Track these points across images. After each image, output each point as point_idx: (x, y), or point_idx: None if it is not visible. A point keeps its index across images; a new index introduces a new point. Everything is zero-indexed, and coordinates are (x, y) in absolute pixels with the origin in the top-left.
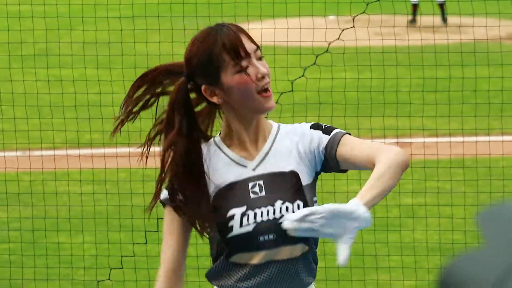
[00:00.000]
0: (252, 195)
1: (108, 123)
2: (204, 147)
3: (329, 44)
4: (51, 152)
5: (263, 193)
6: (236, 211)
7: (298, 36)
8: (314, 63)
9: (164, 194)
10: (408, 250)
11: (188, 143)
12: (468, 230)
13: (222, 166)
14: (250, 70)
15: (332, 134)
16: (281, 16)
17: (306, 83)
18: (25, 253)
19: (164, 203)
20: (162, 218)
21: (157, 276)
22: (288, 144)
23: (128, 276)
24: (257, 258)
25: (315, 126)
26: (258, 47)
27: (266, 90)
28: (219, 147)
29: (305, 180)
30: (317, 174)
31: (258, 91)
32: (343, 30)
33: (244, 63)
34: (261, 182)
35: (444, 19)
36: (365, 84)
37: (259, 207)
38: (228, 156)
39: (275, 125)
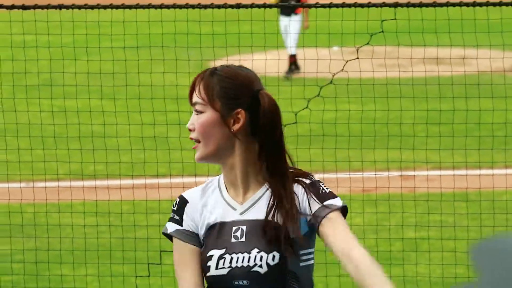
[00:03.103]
0: (233, 239)
1: (111, 154)
2: (206, 184)
3: (333, 76)
4: (54, 184)
5: (243, 238)
6: (215, 252)
7: (302, 67)
8: (318, 94)
9: (170, 226)
10: (411, 285)
11: None
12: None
13: (215, 204)
14: None
15: (322, 205)
16: (285, 47)
17: (310, 115)
18: (28, 285)
19: (171, 236)
20: (165, 251)
21: None
22: None
23: None
24: None
25: (309, 185)
26: (199, 102)
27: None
28: (219, 186)
29: (295, 232)
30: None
31: None
32: (347, 61)
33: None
34: (244, 228)
35: (290, 71)
36: (369, 116)
37: (236, 253)
38: (222, 195)
39: None
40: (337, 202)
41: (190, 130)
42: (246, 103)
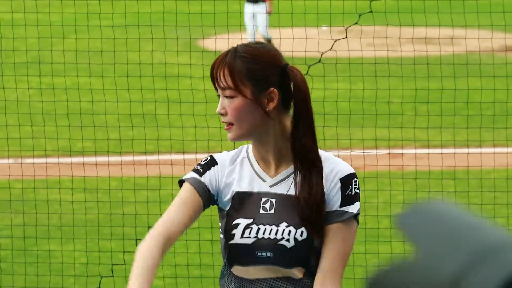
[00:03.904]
0: (261, 210)
1: (100, 131)
2: (235, 152)
3: (321, 55)
4: (43, 160)
5: (272, 211)
6: (242, 221)
7: (291, 46)
8: (307, 73)
9: (190, 174)
10: None
11: None
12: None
13: (244, 174)
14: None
15: (342, 209)
16: (274, 26)
17: None
18: (16, 261)
19: (185, 181)
20: (152, 227)
21: (147, 236)
22: None
23: (119, 285)
24: (252, 272)
25: (344, 180)
26: (228, 87)
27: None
28: (248, 158)
29: (323, 211)
30: None
31: None
32: (335, 41)
33: (218, 92)
34: (273, 200)
35: None
36: (358, 94)
37: (264, 224)
38: (252, 166)
39: None
40: (355, 208)
41: (221, 114)
42: (276, 81)
